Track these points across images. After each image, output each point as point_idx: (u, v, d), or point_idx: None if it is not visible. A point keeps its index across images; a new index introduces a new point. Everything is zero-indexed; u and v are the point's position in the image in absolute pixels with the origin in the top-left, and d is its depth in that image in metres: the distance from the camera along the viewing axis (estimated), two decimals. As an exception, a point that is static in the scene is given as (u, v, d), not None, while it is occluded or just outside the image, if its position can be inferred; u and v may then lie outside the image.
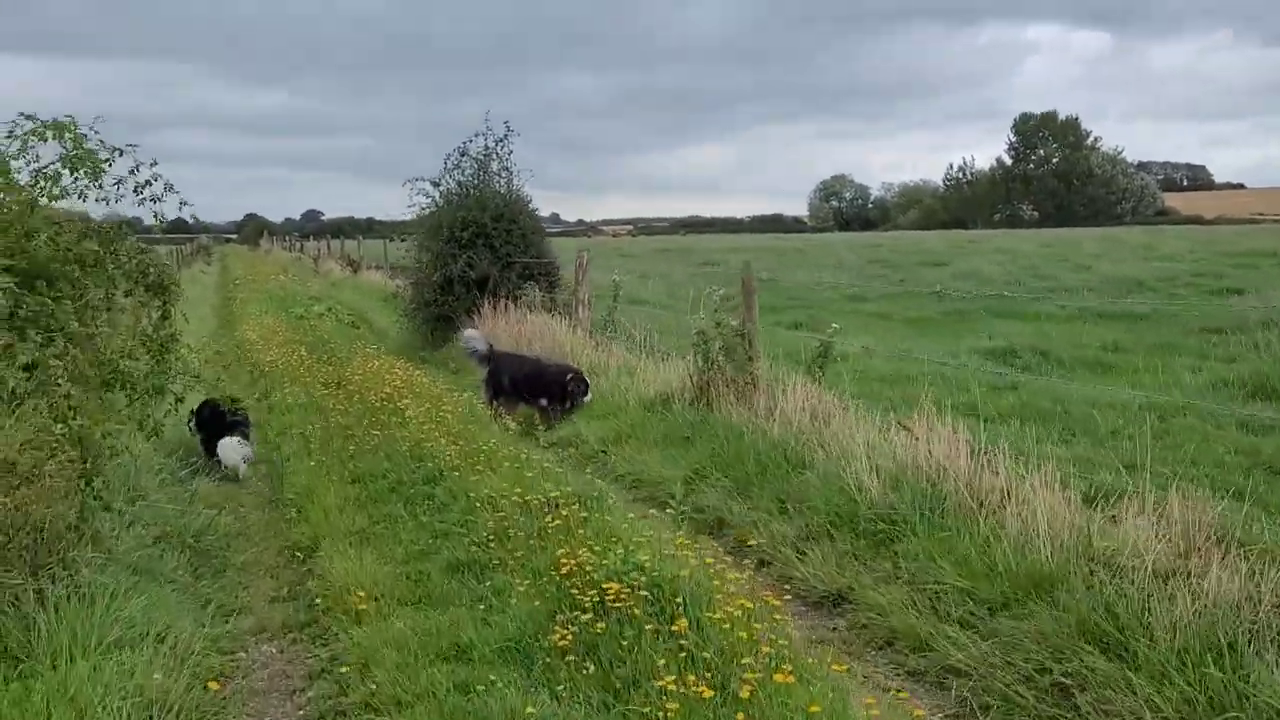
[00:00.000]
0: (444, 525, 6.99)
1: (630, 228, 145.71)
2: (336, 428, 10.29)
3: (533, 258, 16.77)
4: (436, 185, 17.23)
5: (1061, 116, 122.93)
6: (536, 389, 11.01)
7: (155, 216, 7.66)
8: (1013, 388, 12.19)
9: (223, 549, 7.17)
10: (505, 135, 17.06)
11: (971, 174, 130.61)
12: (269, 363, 14.67)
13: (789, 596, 5.87)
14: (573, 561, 5.52)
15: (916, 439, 6.76)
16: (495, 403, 11.31)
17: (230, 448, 9.34)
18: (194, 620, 5.63)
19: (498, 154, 17.19)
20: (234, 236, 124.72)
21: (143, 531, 6.58)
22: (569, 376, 11.20)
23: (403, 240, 22.32)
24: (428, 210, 17.34)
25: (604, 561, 5.30)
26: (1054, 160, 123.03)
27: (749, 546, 6.65)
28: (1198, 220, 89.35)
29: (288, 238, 77.19)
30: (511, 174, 17.32)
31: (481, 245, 16.55)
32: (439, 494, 7.65)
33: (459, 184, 17.26)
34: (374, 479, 8.48)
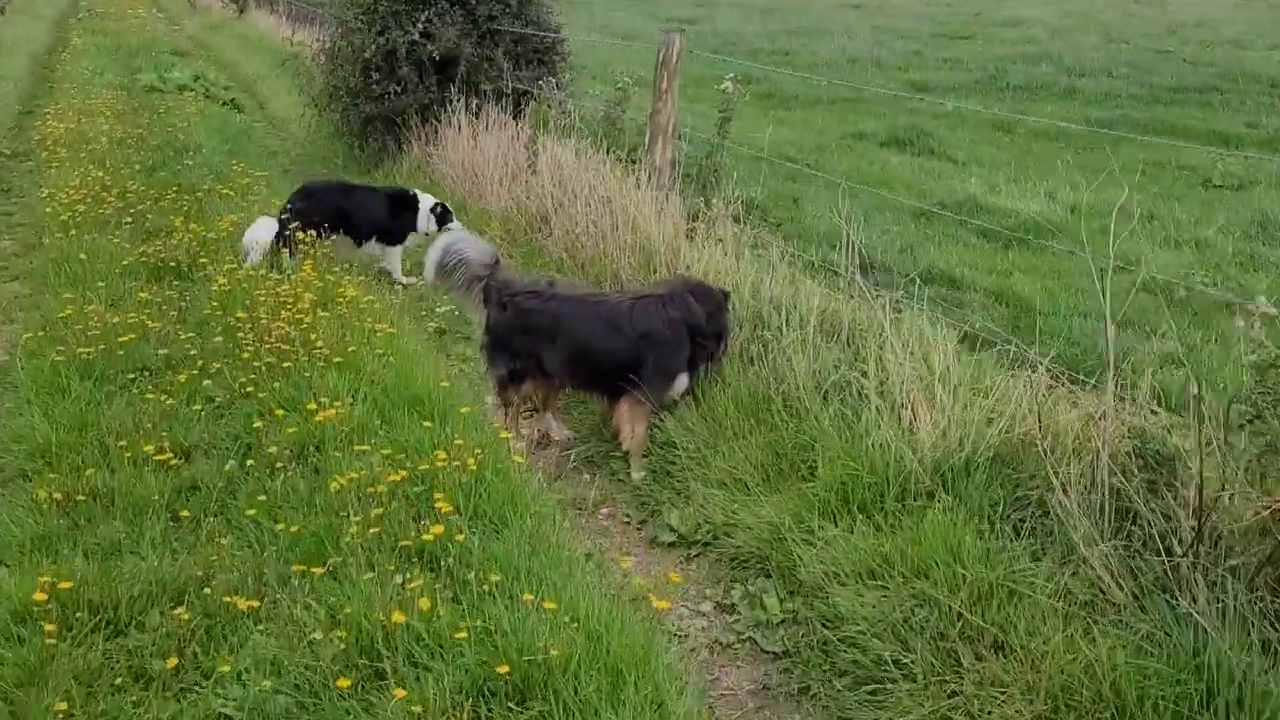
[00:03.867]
0: None
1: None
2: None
3: (526, 27, 9.98)
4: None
5: None
6: (649, 363, 4.79)
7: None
8: None
9: None
10: None
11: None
12: (65, 206, 7.98)
13: None
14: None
15: None
16: (511, 390, 5.06)
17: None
18: None
19: None
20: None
21: None
22: (716, 304, 5.04)
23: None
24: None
25: None
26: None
27: None
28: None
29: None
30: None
31: (447, 1, 9.68)
32: None
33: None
34: None
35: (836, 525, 3.92)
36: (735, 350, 5.19)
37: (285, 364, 4.93)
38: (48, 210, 8.07)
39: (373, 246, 7.60)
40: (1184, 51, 27.75)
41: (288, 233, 6.88)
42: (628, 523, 4.53)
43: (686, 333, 4.88)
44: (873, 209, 9.68)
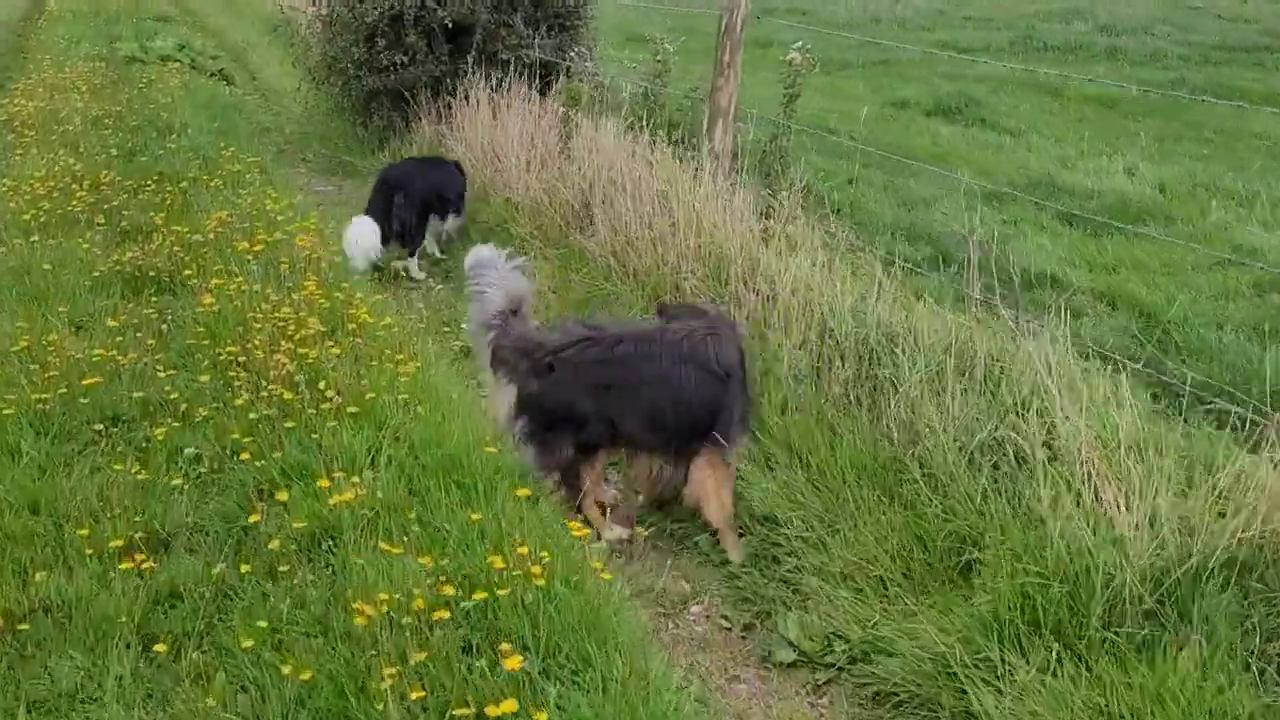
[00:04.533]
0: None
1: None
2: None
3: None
4: None
5: None
6: (728, 408, 3.80)
7: None
8: None
9: None
10: None
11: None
12: (29, 201, 6.95)
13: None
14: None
15: None
16: (586, 468, 3.97)
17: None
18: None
19: None
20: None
21: None
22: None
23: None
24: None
25: None
26: None
27: None
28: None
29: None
30: None
31: (459, -42, 8.60)
32: None
33: None
34: None
35: (1025, 658, 2.95)
36: (841, 392, 4.21)
37: (289, 422, 3.94)
38: (11, 206, 7.04)
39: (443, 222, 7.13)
40: (1216, 7, 26.54)
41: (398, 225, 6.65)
42: (728, 629, 3.57)
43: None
44: (936, 191, 8.66)
